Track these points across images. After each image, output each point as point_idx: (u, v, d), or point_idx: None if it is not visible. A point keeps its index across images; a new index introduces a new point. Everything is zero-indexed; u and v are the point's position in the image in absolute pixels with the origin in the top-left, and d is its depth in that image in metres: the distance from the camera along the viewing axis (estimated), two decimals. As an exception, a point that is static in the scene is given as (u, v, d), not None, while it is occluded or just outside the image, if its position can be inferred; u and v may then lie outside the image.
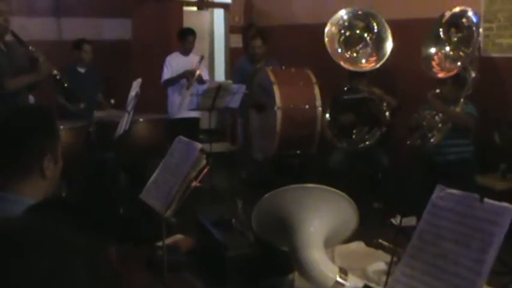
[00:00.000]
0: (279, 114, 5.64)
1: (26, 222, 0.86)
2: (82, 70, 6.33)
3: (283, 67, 6.26)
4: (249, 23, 8.21)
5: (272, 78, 5.80)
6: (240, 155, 7.00)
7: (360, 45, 5.95)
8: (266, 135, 5.97)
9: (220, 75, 8.90)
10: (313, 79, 5.91)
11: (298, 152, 5.93)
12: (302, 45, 7.25)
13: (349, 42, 5.93)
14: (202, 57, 6.49)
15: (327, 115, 5.90)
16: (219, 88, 5.81)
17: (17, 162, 1.79)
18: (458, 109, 4.95)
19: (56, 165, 1.84)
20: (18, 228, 0.80)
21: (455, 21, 5.14)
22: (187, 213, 2.54)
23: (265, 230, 2.25)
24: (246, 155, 6.58)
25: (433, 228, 1.58)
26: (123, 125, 4.90)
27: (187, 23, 7.78)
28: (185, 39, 6.63)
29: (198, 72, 6.40)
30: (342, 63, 5.72)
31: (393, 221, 5.05)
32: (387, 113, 5.67)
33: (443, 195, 1.61)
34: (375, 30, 5.88)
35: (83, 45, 6.32)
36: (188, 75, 6.40)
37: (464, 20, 5.06)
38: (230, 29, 8.54)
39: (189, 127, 6.38)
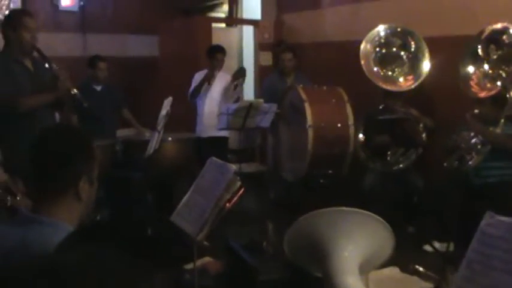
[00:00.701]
0: (310, 132, 5.64)
1: (74, 259, 0.86)
2: (98, 88, 6.35)
3: (315, 85, 6.28)
4: (279, 40, 8.25)
5: (303, 96, 5.82)
6: (270, 176, 7.01)
7: (396, 64, 5.95)
8: (297, 155, 5.98)
9: (249, 93, 8.95)
10: (345, 97, 5.92)
11: (329, 172, 5.92)
12: (333, 63, 7.26)
13: (385, 60, 5.93)
14: (237, 82, 6.55)
15: (361, 135, 5.89)
16: (250, 107, 5.84)
17: (54, 184, 1.79)
18: (498, 130, 4.90)
19: (91, 186, 1.85)
20: (69, 264, 0.81)
21: (496, 38, 5.10)
22: (216, 235, 2.56)
23: (298, 254, 2.24)
24: (276, 176, 6.58)
25: (483, 258, 1.55)
26: (153, 144, 4.96)
27: (216, 39, 7.86)
28: (214, 56, 6.68)
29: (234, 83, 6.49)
30: (378, 82, 5.71)
31: (430, 245, 4.99)
32: (424, 134, 5.65)
33: (493, 222, 1.59)
34: (412, 49, 5.87)
35: (97, 62, 6.32)
36: (210, 76, 6.45)
37: (505, 37, 5.02)
38: (259, 46, 8.59)
39: (218, 146, 6.42)
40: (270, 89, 6.70)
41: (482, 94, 5.02)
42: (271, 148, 6.93)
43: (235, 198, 2.30)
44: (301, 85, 6.07)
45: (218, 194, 2.29)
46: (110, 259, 0.85)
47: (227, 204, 2.28)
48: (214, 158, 2.49)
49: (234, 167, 2.35)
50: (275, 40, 8.43)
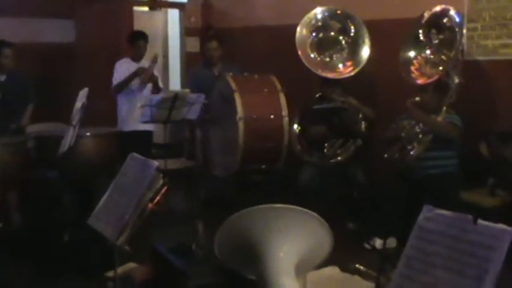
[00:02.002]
0: (241, 125, 5.63)
1: None
2: (1, 78, 6.16)
3: (245, 73, 6.27)
4: (207, 25, 8.22)
5: (233, 85, 5.80)
6: (199, 172, 6.98)
7: (334, 49, 6.01)
8: (227, 149, 5.96)
9: (175, 83, 8.88)
10: (279, 86, 5.93)
11: (263, 167, 5.93)
12: (266, 48, 7.28)
13: (322, 46, 5.98)
14: (155, 57, 6.46)
15: (295, 126, 5.92)
16: (176, 98, 5.79)
17: None
18: (440, 118, 5.01)
19: None
20: None
21: (436, 22, 5.22)
22: (141, 239, 2.52)
23: (230, 255, 2.23)
24: (206, 172, 6.55)
25: (421, 254, 1.57)
26: (68, 140, 4.84)
27: (138, 25, 7.75)
28: (136, 43, 6.59)
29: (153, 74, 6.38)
30: (315, 69, 5.76)
31: (367, 245, 5.08)
32: (363, 125, 5.73)
33: (431, 216, 1.61)
34: (352, 33, 5.94)
35: (1, 48, 6.10)
36: (141, 72, 6.35)
37: (445, 20, 5.14)
38: (186, 32, 8.53)
39: (141, 141, 6.34)
40: (196, 79, 6.67)
41: (424, 80, 5.13)
42: (200, 142, 6.90)
43: (158, 197, 2.27)
44: (230, 73, 6.04)
45: (140, 193, 2.25)
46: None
47: (150, 204, 2.24)
48: (135, 154, 2.45)
49: (156, 162, 2.31)
50: (203, 25, 8.39)
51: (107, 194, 2.43)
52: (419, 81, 5.15)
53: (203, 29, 8.26)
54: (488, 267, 1.45)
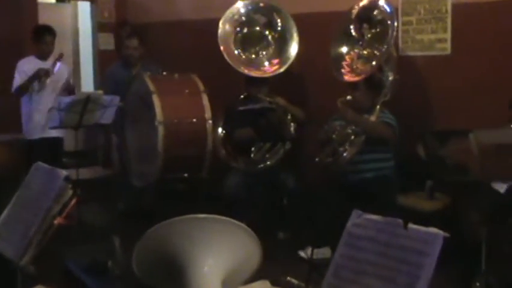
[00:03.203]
0: (160, 130, 5.58)
1: None
2: None
3: (164, 73, 6.23)
4: (123, 20, 8.14)
5: (151, 86, 5.74)
6: (116, 182, 6.89)
7: (260, 45, 6.04)
8: (147, 157, 5.91)
9: (88, 84, 8.76)
10: (201, 87, 5.90)
11: (185, 175, 5.91)
12: (187, 45, 7.26)
13: (247, 42, 6.01)
14: (60, 55, 6.33)
15: (220, 130, 5.92)
16: (88, 100, 5.70)
17: None
18: (373, 118, 5.10)
19: None
20: None
21: (367, 16, 5.33)
22: (50, 258, 2.46)
23: (150, 272, 2.22)
24: (123, 182, 6.48)
25: (351, 263, 1.60)
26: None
27: (43, 19, 7.61)
28: (41, 39, 6.45)
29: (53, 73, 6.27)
30: (239, 67, 5.77)
31: (302, 253, 5.13)
32: (292, 127, 5.77)
33: (360, 222, 1.63)
34: (278, 28, 5.99)
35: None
36: (42, 73, 6.21)
37: (376, 12, 5.25)
38: (99, 27, 8.43)
39: (51, 149, 6.22)
40: (113, 79, 6.60)
41: (350, 77, 5.21)
42: (116, 149, 6.82)
43: (67, 211, 2.22)
44: (148, 73, 5.99)
45: (46, 207, 2.20)
46: None
47: (58, 219, 2.19)
48: (40, 163, 2.39)
49: (65, 172, 2.26)
50: (117, 20, 8.31)
51: (8, 208, 2.37)
52: (346, 77, 5.23)
53: (118, 25, 8.17)
54: (420, 273, 1.48)
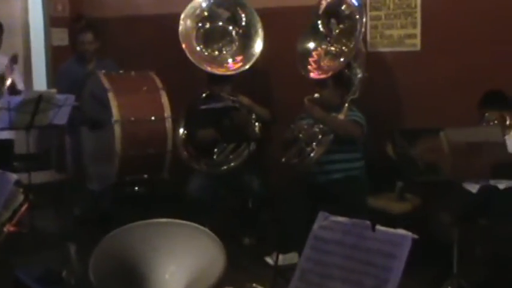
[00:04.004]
0: (117, 129, 5.56)
1: None
2: None
3: (121, 71, 6.21)
4: (77, 14, 8.07)
5: (107, 84, 5.72)
6: (71, 186, 6.85)
7: (224, 42, 6.04)
8: (103, 158, 5.88)
9: (40, 82, 8.66)
10: (159, 84, 5.90)
11: (145, 177, 5.89)
12: (146, 42, 7.24)
13: (210, 38, 6.00)
14: (14, 57, 6.27)
15: (181, 130, 5.91)
16: (40, 99, 5.65)
17: None
18: (341, 116, 5.14)
19: None
20: None
21: (335, 10, 5.36)
22: (0, 267, 2.44)
23: (108, 281, 2.21)
24: (79, 185, 6.44)
25: (317, 266, 1.61)
26: None
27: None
28: (-13, 35, 6.40)
29: (9, 78, 6.19)
30: (201, 64, 5.76)
31: (269, 259, 5.14)
32: (257, 127, 5.78)
33: (327, 224, 1.65)
34: (243, 23, 5.99)
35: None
36: None
37: (344, 7, 5.29)
38: (51, 22, 8.35)
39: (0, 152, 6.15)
40: (67, 77, 6.55)
41: (316, 74, 5.25)
42: (71, 151, 6.78)
43: (18, 217, 2.20)
44: (103, 71, 5.96)
45: (-5, 213, 2.18)
46: None
47: (8, 226, 2.18)
48: (-11, 167, 2.37)
49: (15, 176, 2.25)
50: (72, 14, 8.24)
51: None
52: (312, 74, 5.26)
53: (72, 19, 8.11)
54: (388, 276, 1.51)
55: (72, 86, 6.20)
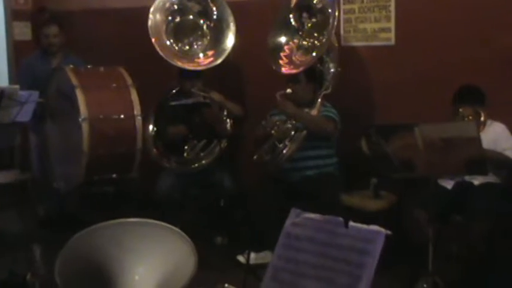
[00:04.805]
0: (85, 127, 5.52)
1: None
2: None
3: (89, 66, 6.17)
4: (40, 7, 8.01)
5: (74, 80, 5.68)
6: (35, 186, 6.80)
7: (194, 36, 6.03)
8: (69, 157, 5.84)
9: (2, 78, 8.59)
10: (129, 80, 5.87)
11: (113, 176, 5.86)
12: (114, 36, 7.20)
13: (180, 32, 5.99)
14: None
15: (151, 127, 5.90)
16: (1, 96, 5.61)
17: None
18: (314, 112, 5.16)
19: None
20: None
21: (307, 4, 5.38)
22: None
23: (75, 284, 2.20)
24: (44, 186, 6.40)
25: (289, 264, 1.62)
26: None
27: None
28: None
29: None
30: (171, 59, 5.75)
31: (241, 258, 5.16)
32: (228, 123, 5.79)
33: (299, 221, 1.66)
34: (214, 17, 5.98)
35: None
36: None
37: (316, 1, 5.31)
38: (13, 15, 8.27)
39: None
40: (30, 72, 6.49)
41: (295, 70, 5.26)
42: (36, 150, 6.72)
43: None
44: (70, 66, 5.92)
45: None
46: None
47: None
48: None
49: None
50: (34, 7, 8.17)
51: None
52: (289, 69, 5.28)
53: (35, 12, 8.04)
54: (361, 273, 1.52)
55: (36, 81, 6.16)
